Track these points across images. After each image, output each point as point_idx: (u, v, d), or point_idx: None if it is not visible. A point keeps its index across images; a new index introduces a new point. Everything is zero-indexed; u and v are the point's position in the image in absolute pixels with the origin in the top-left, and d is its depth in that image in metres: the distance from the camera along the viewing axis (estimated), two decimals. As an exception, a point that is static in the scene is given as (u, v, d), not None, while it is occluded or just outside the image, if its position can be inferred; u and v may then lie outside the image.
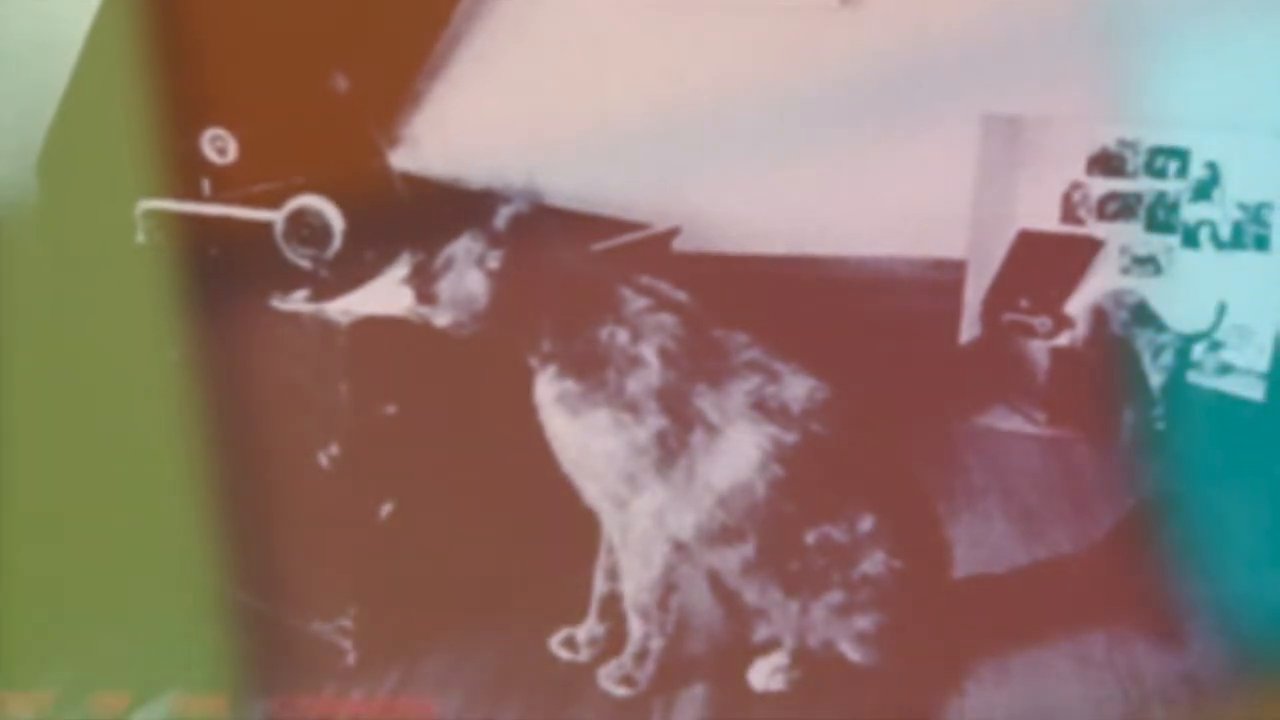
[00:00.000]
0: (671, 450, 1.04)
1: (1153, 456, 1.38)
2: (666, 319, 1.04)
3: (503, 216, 1.03)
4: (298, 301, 1.11)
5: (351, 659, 1.11)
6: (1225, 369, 1.34)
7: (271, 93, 1.23)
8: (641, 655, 1.08)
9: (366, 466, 1.09)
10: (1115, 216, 1.36)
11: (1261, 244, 1.30)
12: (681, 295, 1.07)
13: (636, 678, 1.08)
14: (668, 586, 1.07)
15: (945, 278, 1.42)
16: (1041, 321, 1.42)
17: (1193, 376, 1.35)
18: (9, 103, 1.21)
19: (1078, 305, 1.41)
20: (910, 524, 1.08)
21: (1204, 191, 1.32)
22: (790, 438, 1.04)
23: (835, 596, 1.05)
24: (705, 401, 1.04)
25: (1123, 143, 1.34)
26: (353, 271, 1.10)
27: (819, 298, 1.40)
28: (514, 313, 1.03)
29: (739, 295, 1.15)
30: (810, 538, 1.04)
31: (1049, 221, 1.39)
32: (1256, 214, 1.30)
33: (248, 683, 1.10)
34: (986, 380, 1.47)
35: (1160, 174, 1.33)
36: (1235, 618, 1.17)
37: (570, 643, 1.12)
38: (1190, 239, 1.34)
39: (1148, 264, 1.36)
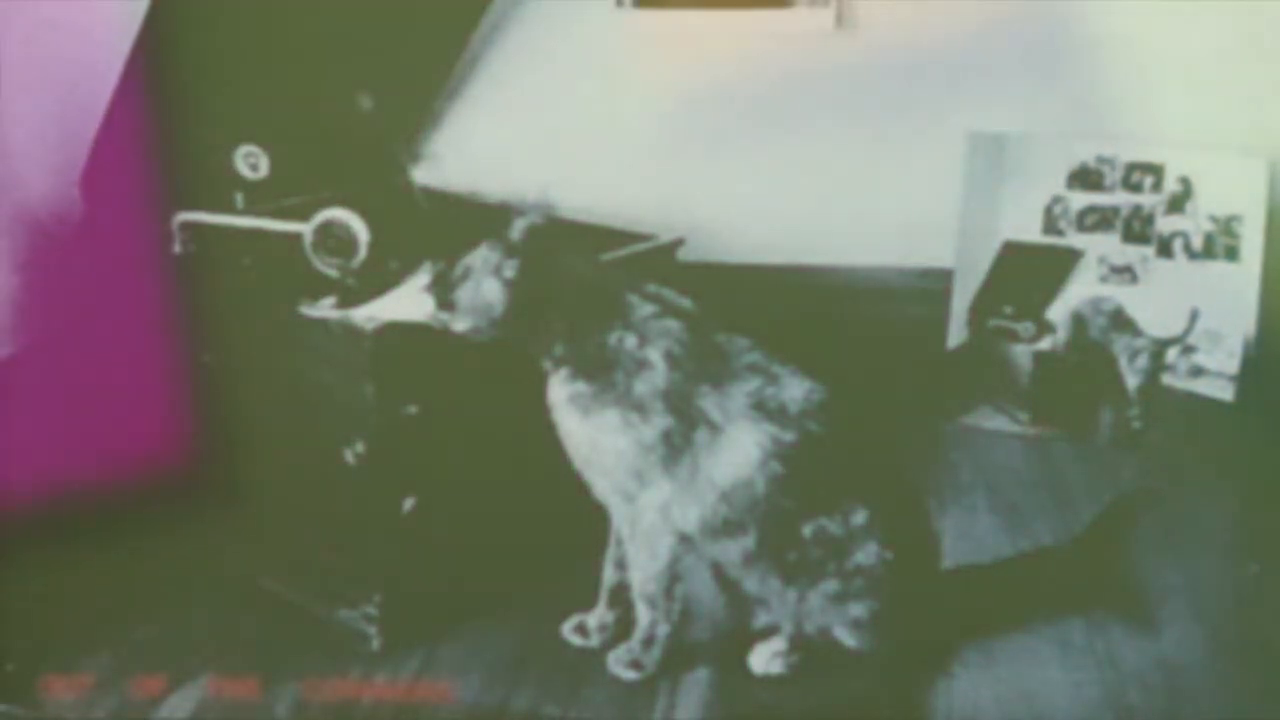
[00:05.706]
0: (676, 448, 1.05)
1: (1129, 454, 1.41)
2: (672, 324, 1.06)
3: (518, 228, 1.04)
4: (325, 308, 1.14)
5: (376, 644, 1.14)
6: (1197, 372, 1.36)
7: (301, 112, 1.25)
8: (648, 641, 1.10)
9: (390, 463, 1.12)
10: (1094, 228, 1.39)
11: (1231, 254, 1.33)
12: (686, 302, 1.08)
13: (644, 662, 1.10)
14: (673, 576, 1.09)
15: (934, 286, 1.46)
16: (1024, 327, 1.44)
17: (1167, 379, 1.38)
18: (55, 123, 1.24)
19: (1058, 312, 1.44)
20: (901, 517, 1.09)
21: (1178, 205, 1.35)
22: (788, 436, 1.05)
23: (831, 585, 1.07)
24: (708, 402, 1.05)
25: (1101, 159, 1.37)
26: (377, 280, 1.13)
27: (815, 305, 1.44)
28: (528, 318, 1.05)
29: (740, 302, 1.16)
30: (807, 530, 1.06)
31: (1031, 233, 1.42)
32: (1227, 226, 1.33)
33: (278, 666, 1.11)
34: (972, 382, 1.51)
35: (1136, 188, 1.36)
36: (1207, 607, 1.19)
37: (581, 629, 1.15)
38: (1164, 249, 1.36)
39: (1124, 273, 1.39)
